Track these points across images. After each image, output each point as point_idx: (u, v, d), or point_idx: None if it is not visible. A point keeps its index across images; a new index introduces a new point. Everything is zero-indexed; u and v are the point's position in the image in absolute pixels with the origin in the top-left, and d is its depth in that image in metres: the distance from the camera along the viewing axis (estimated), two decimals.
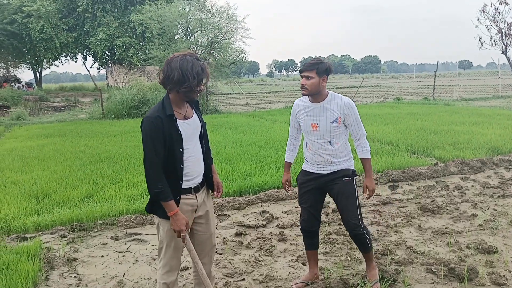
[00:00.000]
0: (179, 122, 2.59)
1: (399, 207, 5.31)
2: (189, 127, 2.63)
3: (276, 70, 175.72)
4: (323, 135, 3.12)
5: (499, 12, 17.47)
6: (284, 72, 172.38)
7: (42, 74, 44.12)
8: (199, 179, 2.73)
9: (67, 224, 4.85)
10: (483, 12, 17.84)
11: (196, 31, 20.67)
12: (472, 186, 6.18)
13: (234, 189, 5.89)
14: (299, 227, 4.11)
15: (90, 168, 7.27)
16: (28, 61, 38.53)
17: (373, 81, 58.38)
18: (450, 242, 4.15)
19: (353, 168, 3.25)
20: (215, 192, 2.92)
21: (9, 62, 37.65)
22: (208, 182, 2.87)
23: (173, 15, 20.06)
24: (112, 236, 4.57)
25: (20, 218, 4.97)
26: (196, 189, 2.71)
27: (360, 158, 3.27)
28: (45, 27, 31.20)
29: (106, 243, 4.41)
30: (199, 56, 2.54)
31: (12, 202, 5.48)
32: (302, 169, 3.39)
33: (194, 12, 21.18)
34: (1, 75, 37.36)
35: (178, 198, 2.61)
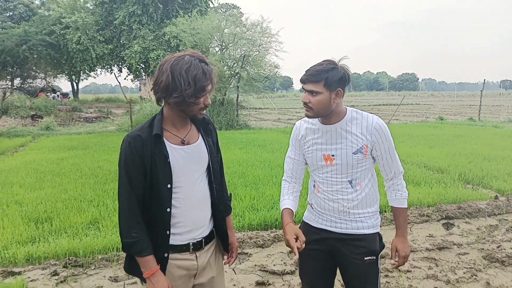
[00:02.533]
0: (172, 146, 1.84)
1: (459, 254, 4.34)
2: (186, 156, 1.86)
3: None
4: (341, 172, 2.12)
5: None
6: None
7: (82, 85, 45.10)
8: (202, 232, 1.96)
9: (62, 258, 4.15)
10: None
11: (230, 45, 20.17)
12: None
13: (259, 221, 5.07)
14: None
15: (104, 187, 6.63)
16: (66, 72, 39.23)
17: (411, 99, 56.37)
18: None
19: (379, 230, 2.22)
20: (226, 256, 2.13)
21: (47, 73, 38.43)
22: (220, 237, 2.09)
23: (207, 28, 19.66)
24: (110, 277, 3.84)
25: (12, 247, 4.33)
26: (196, 247, 1.93)
27: (391, 207, 2.24)
28: (82, 39, 31.60)
29: (102, 286, 3.68)
30: (206, 58, 1.69)
31: (9, 226, 4.87)
32: (303, 221, 2.35)
33: (228, 26, 20.73)
34: (40, 85, 38.23)
35: (165, 255, 1.84)
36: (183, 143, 1.87)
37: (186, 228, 1.88)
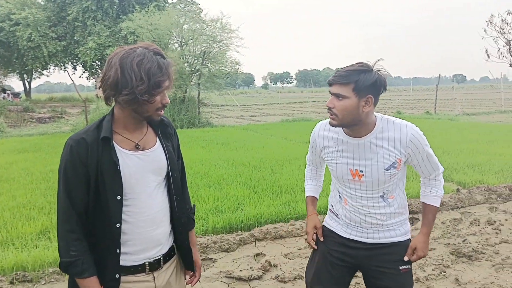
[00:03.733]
0: (123, 152, 1.59)
1: None
2: (140, 163, 1.62)
3: (271, 82, 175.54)
4: (371, 188, 1.91)
5: (507, 23, 16.69)
6: (279, 84, 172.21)
7: (35, 84, 43.36)
8: (161, 250, 1.72)
9: (8, 273, 3.78)
10: (490, 23, 17.07)
11: (190, 41, 19.75)
12: (506, 220, 5.20)
13: (223, 224, 4.84)
14: (303, 279, 3.10)
15: (55, 193, 6.20)
16: (17, 70, 37.35)
17: None
18: None
19: (409, 237, 2.06)
20: (187, 276, 1.90)
21: None
22: (182, 253, 1.86)
23: (165, 23, 19.15)
24: None
25: None
26: (154, 266, 1.69)
27: (422, 202, 2.05)
28: (33, 35, 29.98)
29: None
30: (162, 51, 1.46)
31: None
32: (325, 227, 2.14)
33: (188, 22, 20.30)
34: None
35: (116, 276, 1.60)
36: (137, 148, 1.63)
37: (141, 246, 1.65)
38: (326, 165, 2.14)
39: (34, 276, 3.73)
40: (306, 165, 2.33)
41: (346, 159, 1.92)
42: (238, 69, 20.93)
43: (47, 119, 21.10)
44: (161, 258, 1.72)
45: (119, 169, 1.56)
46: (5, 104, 24.72)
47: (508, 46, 16.85)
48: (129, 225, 1.61)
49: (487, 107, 26.28)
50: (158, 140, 1.72)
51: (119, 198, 1.57)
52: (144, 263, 1.66)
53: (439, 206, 2.04)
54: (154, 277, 1.70)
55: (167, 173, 1.72)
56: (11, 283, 3.64)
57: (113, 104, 1.60)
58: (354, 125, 1.84)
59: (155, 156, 1.68)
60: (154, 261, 1.69)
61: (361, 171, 1.89)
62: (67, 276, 3.53)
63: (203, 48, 18.98)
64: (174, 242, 1.81)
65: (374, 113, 1.90)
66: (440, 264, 3.95)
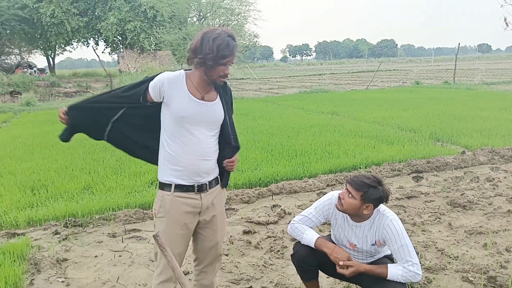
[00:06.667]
0: (191, 98, 2.14)
1: (426, 201, 4.79)
2: (200, 110, 2.14)
3: (290, 55, 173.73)
4: (363, 254, 2.54)
5: None
6: (298, 57, 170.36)
7: (57, 61, 44.11)
8: (207, 177, 2.26)
9: (61, 219, 4.45)
10: None
11: (208, 14, 20.07)
12: (505, 177, 5.62)
13: (244, 181, 5.43)
14: None
15: (93, 156, 6.88)
16: (41, 47, 38.31)
17: (389, 65, 56.87)
18: (487, 244, 3.64)
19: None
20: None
21: (22, 48, 37.48)
22: (222, 176, 2.39)
23: None
24: (109, 233, 4.17)
25: (12, 212, 4.60)
26: (201, 188, 2.24)
27: (382, 264, 2.39)
28: (56, 12, 30.80)
29: (102, 241, 4.01)
30: (235, 35, 2.16)
31: (6, 194, 5.12)
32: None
33: None
34: (15, 61, 37.31)
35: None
36: (202, 98, 2.16)
37: (191, 171, 2.18)
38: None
39: (83, 221, 4.40)
40: (293, 223, 2.60)
41: (346, 232, 2.53)
42: (256, 42, 21.20)
43: (73, 93, 21.94)
44: (207, 183, 2.26)
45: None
46: (33, 79, 25.67)
47: None
48: (183, 152, 2.15)
49: (509, 76, 25.93)
50: (218, 98, 2.24)
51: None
52: (194, 184, 2.21)
53: (386, 276, 2.32)
54: (201, 196, 2.25)
55: (223, 121, 2.24)
56: (65, 226, 4.31)
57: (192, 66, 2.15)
58: (353, 215, 2.44)
59: (214, 109, 2.20)
60: (201, 184, 2.23)
61: (355, 244, 2.50)
62: (111, 221, 4.17)
63: (221, 22, 19.32)
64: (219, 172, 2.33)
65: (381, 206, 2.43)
66: (436, 212, 4.45)
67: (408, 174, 5.81)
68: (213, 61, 2.03)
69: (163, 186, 2.23)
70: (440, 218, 4.29)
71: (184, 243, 2.29)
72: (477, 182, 5.46)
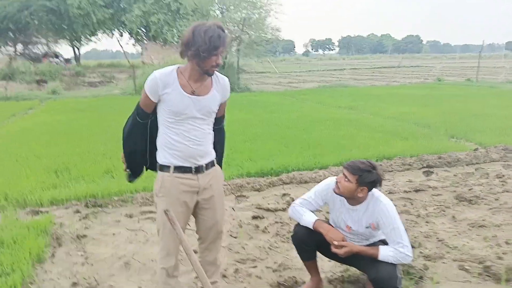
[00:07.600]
0: (182, 93, 2.30)
1: (433, 195, 4.89)
2: (192, 104, 2.32)
3: (312, 49, 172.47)
4: (358, 237, 2.70)
5: None
6: (320, 51, 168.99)
7: (83, 51, 45.00)
8: (202, 160, 2.44)
9: (82, 199, 4.74)
10: None
11: (231, 7, 20.24)
12: None
13: (256, 170, 5.62)
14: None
15: (114, 143, 7.17)
16: (67, 37, 39.18)
17: (413, 61, 56.09)
18: (487, 237, 3.74)
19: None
20: None
21: (49, 38, 38.39)
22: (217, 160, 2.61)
23: None
24: (126, 214, 4.42)
25: (37, 191, 4.90)
26: (198, 170, 2.44)
27: (374, 244, 2.66)
28: (82, 3, 31.49)
29: (119, 221, 4.27)
30: (223, 27, 2.33)
31: (32, 175, 5.44)
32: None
33: None
34: (42, 51, 38.26)
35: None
36: (193, 93, 2.32)
37: (187, 155, 2.38)
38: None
39: (103, 202, 4.67)
40: (294, 205, 2.81)
41: (343, 214, 2.70)
42: (277, 35, 21.24)
43: (97, 83, 22.52)
44: (204, 165, 2.46)
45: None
46: (59, 69, 26.36)
47: None
48: (178, 138, 2.35)
49: None
50: (211, 90, 2.40)
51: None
52: (191, 166, 2.41)
53: (378, 256, 2.49)
54: (198, 177, 2.44)
55: (212, 114, 2.43)
56: (86, 206, 4.59)
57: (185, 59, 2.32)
58: (349, 198, 2.60)
59: (202, 101, 2.35)
60: (198, 166, 2.43)
61: (351, 226, 2.67)
62: (129, 203, 4.42)
63: (243, 15, 19.43)
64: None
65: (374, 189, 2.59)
66: (442, 205, 4.55)
67: (419, 169, 5.90)
68: (207, 52, 2.18)
69: (163, 167, 2.42)
70: (444, 211, 4.39)
71: (183, 220, 2.49)
72: (487, 178, 5.51)
